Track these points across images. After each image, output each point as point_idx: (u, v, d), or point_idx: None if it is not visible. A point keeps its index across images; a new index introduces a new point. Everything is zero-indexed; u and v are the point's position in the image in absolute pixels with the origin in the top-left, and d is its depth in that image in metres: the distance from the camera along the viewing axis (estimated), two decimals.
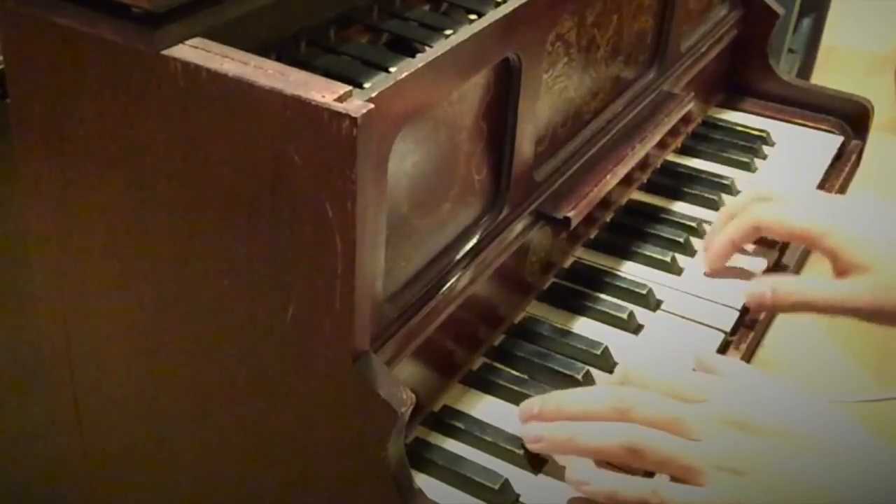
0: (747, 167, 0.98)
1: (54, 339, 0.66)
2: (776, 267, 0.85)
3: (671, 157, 0.99)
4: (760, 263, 0.84)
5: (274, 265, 0.54)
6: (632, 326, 0.77)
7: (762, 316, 0.80)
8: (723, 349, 0.77)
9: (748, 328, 0.79)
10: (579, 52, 0.76)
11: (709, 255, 0.83)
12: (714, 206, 0.92)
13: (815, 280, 0.77)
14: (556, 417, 0.64)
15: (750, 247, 0.85)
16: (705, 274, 0.83)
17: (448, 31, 0.66)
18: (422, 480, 0.64)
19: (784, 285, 0.77)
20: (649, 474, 0.63)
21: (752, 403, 0.60)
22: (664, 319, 0.79)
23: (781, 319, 0.83)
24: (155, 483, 0.68)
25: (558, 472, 0.65)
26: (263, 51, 0.56)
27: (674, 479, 0.60)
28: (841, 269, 0.75)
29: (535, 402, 0.66)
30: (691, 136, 1.03)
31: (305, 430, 0.59)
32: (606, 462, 0.63)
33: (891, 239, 0.74)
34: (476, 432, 0.67)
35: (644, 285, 0.81)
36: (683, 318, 0.79)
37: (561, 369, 0.72)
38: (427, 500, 0.58)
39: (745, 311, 0.80)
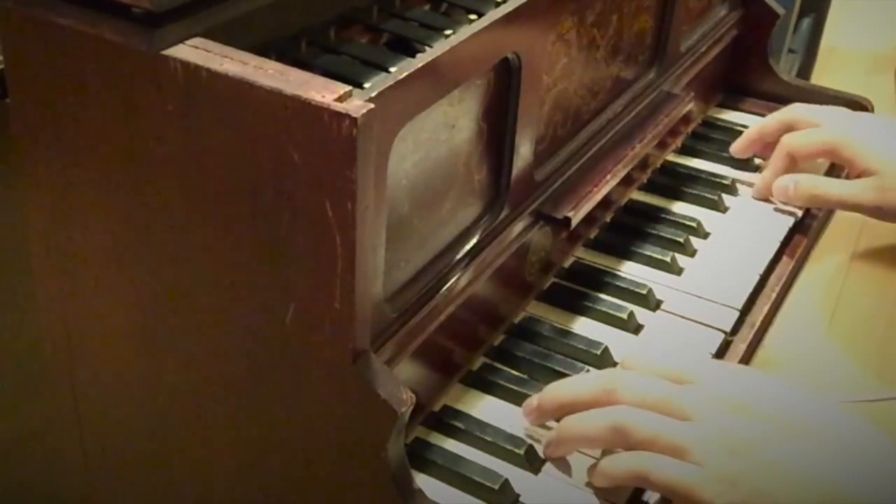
0: (747, 167, 0.98)
1: (54, 339, 0.66)
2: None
3: (671, 157, 0.99)
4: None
5: (274, 265, 0.54)
6: (632, 326, 0.77)
7: (763, 315, 0.80)
8: (723, 349, 0.77)
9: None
10: (579, 52, 0.76)
11: (759, 188, 0.94)
12: (714, 206, 0.92)
13: (829, 178, 0.92)
14: (553, 407, 0.65)
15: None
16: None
17: (448, 31, 0.66)
18: (422, 480, 0.64)
19: (804, 179, 0.90)
20: None
21: (747, 388, 0.60)
22: (664, 319, 0.79)
23: (781, 319, 0.84)
24: (155, 483, 0.68)
25: (558, 472, 0.65)
26: (263, 51, 0.56)
27: None
28: (855, 175, 0.88)
29: (535, 396, 0.67)
30: (691, 136, 1.03)
31: (305, 430, 0.59)
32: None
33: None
34: (476, 432, 0.67)
35: (644, 285, 0.81)
36: (683, 318, 0.79)
37: (561, 369, 0.72)
38: (427, 500, 0.58)
39: (745, 310, 0.80)
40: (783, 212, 0.92)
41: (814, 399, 0.60)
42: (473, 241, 0.69)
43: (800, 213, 0.92)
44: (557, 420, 0.66)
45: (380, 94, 0.52)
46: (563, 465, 0.65)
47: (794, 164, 0.94)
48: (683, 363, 0.63)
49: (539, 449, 0.66)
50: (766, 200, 0.94)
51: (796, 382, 0.61)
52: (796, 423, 0.58)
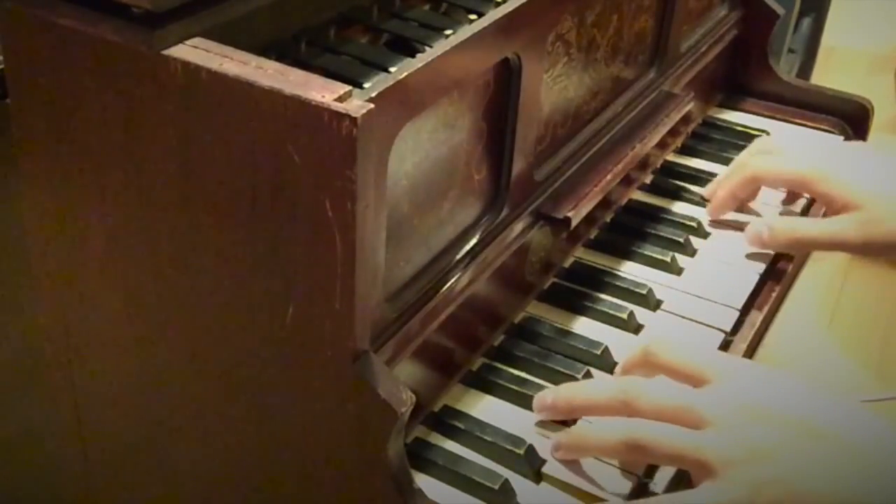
0: None
1: (54, 339, 0.66)
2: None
3: (671, 157, 0.99)
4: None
5: (274, 265, 0.54)
6: (632, 326, 0.77)
7: (762, 315, 0.80)
8: (723, 349, 0.77)
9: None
10: (579, 52, 0.76)
11: (712, 205, 0.89)
12: None
13: (808, 218, 0.83)
14: (567, 408, 0.65)
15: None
16: (710, 222, 0.89)
17: (448, 31, 0.66)
18: (422, 480, 0.64)
19: (780, 223, 0.83)
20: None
21: (767, 391, 0.59)
22: (664, 319, 0.79)
23: (781, 319, 0.83)
24: (155, 483, 0.68)
25: (557, 472, 0.65)
26: (263, 51, 0.56)
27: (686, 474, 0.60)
28: (834, 211, 0.80)
29: (549, 394, 0.67)
30: (691, 136, 1.03)
31: (305, 429, 0.59)
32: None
33: (878, 179, 0.80)
34: (476, 432, 0.67)
35: (644, 285, 0.81)
36: (683, 318, 0.79)
37: (561, 369, 0.72)
38: (427, 500, 0.58)
39: (745, 310, 0.80)
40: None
41: (833, 400, 0.59)
42: (473, 241, 0.69)
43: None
44: (566, 422, 0.66)
45: (380, 94, 0.52)
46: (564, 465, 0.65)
47: (752, 193, 0.89)
48: (704, 358, 0.63)
49: (539, 448, 0.66)
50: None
51: (814, 383, 0.60)
52: (817, 428, 0.57)
